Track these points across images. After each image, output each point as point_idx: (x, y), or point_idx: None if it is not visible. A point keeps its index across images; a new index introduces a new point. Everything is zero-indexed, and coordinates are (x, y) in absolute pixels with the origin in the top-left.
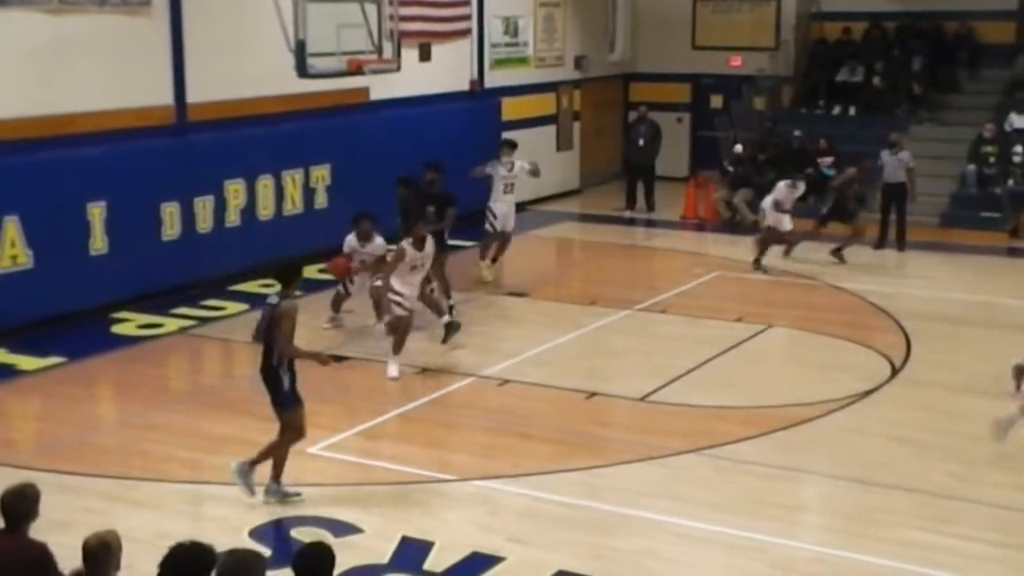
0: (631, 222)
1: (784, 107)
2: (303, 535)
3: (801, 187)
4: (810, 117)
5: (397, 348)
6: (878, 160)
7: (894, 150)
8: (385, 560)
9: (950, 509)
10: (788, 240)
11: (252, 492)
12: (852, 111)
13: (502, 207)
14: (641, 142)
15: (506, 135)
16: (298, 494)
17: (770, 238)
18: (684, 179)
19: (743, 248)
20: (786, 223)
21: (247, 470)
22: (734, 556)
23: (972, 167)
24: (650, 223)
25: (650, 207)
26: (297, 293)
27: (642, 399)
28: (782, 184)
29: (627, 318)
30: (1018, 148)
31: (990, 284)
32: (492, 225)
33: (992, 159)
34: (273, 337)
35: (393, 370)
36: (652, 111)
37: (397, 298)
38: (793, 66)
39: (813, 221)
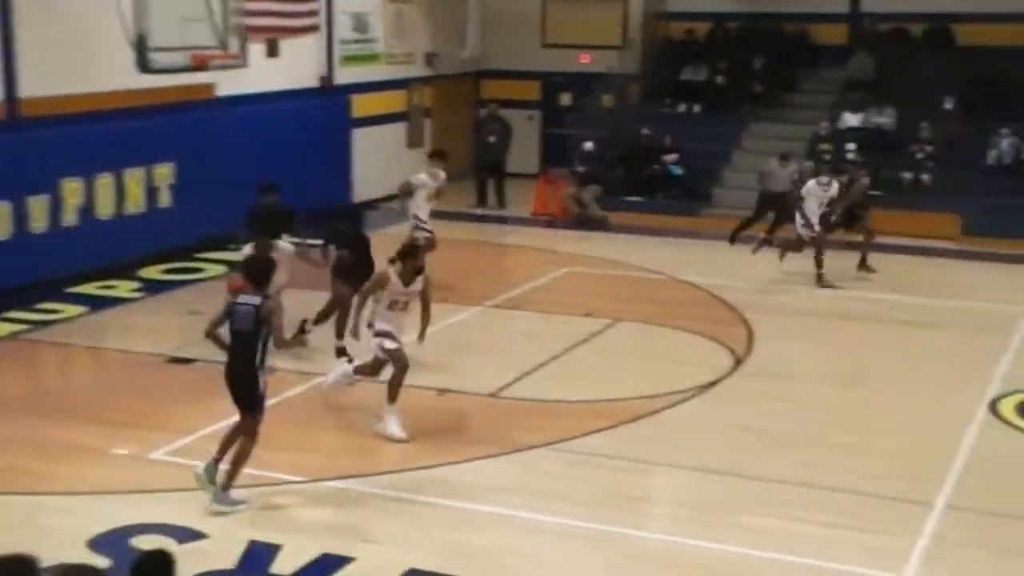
0: (483, 219)
1: (632, 104)
2: (144, 543)
3: (834, 186)
4: (657, 115)
5: (393, 394)
6: (765, 166)
7: (784, 163)
8: (231, 565)
9: (797, 495)
10: (805, 245)
11: (243, 501)
12: (697, 109)
13: (425, 213)
14: (492, 139)
15: (356, 132)
16: (245, 503)
17: (793, 244)
18: (535, 176)
19: (593, 244)
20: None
21: (226, 494)
22: (587, 548)
23: (809, 164)
24: (501, 220)
25: (501, 204)
26: (138, 293)
27: (494, 395)
28: (812, 183)
29: (480, 314)
30: (851, 145)
31: (830, 276)
32: (427, 231)
33: (828, 156)
34: (256, 338)
35: (396, 428)
36: (503, 108)
37: (382, 339)
38: (640, 64)
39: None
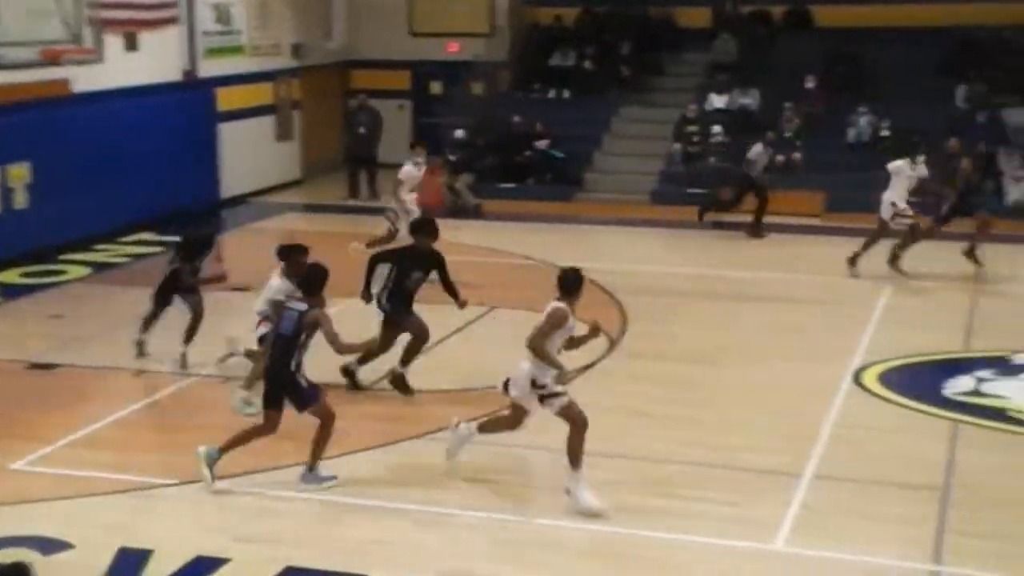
0: (355, 211)
1: (502, 92)
2: (6, 557)
3: (922, 166)
4: (527, 101)
5: (575, 460)
6: (751, 152)
7: (767, 148)
8: (100, 574)
9: (673, 473)
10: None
11: (332, 476)
12: (567, 94)
13: (412, 206)
14: (362, 130)
15: (223, 126)
16: (334, 477)
17: (916, 235)
18: None
19: (467, 232)
20: (888, 211)
21: (312, 475)
22: (464, 536)
23: (677, 146)
24: (374, 211)
25: (374, 195)
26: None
27: (369, 387)
28: (902, 162)
29: (353, 307)
30: (717, 128)
31: (698, 257)
32: (396, 225)
33: (695, 138)
34: (293, 343)
35: (590, 497)
36: (373, 98)
37: (552, 398)
38: (508, 51)
39: (930, 221)
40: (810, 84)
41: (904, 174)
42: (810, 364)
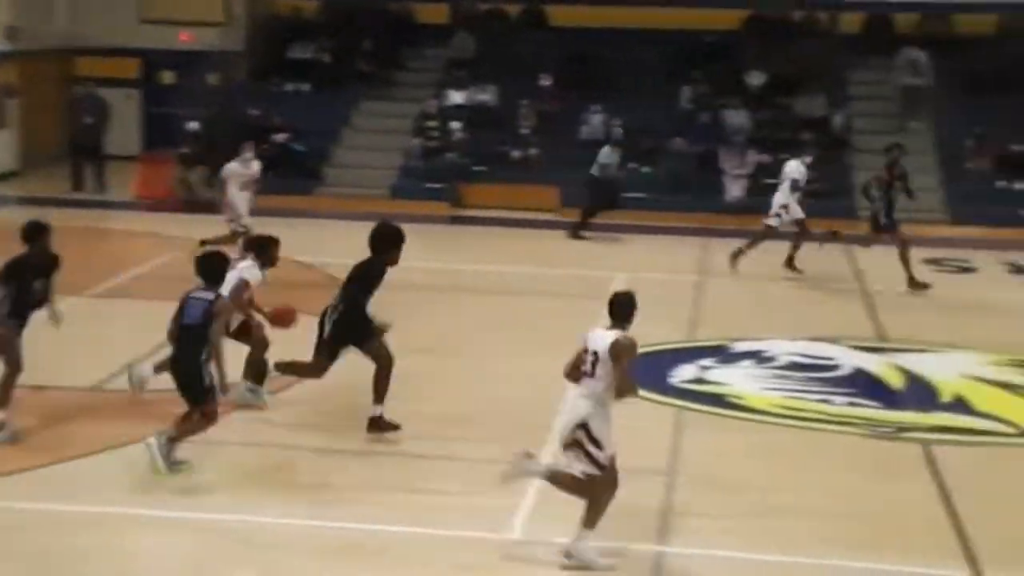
0: (80, 204)
1: (239, 83)
2: None
3: (807, 163)
4: (266, 93)
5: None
6: (602, 155)
7: (616, 148)
8: None
9: (410, 467)
10: (804, 240)
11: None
12: (306, 87)
13: (243, 204)
14: (88, 120)
15: None
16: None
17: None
18: (136, 158)
19: (200, 227)
20: (798, 211)
21: (168, 450)
22: (199, 540)
23: (417, 141)
24: (101, 204)
25: (100, 188)
26: None
27: (95, 388)
28: (794, 164)
29: (78, 304)
30: (456, 123)
31: (437, 251)
32: (242, 224)
33: (435, 133)
34: (205, 332)
35: (594, 554)
36: (99, 87)
37: (593, 448)
38: (245, 41)
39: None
40: (546, 82)
41: (791, 177)
42: (544, 356)
